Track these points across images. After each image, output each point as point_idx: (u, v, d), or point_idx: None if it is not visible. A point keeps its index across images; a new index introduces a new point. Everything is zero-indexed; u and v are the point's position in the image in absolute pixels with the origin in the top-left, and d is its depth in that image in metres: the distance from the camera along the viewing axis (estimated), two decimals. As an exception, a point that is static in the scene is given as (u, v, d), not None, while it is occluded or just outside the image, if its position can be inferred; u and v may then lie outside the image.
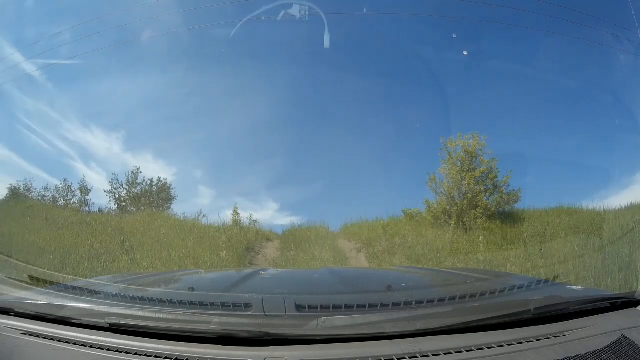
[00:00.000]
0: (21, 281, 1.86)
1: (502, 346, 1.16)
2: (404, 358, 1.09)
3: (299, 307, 1.34)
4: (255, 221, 5.78)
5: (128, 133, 6.14)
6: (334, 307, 1.35)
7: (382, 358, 1.09)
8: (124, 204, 6.83)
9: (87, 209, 6.68)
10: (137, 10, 4.89)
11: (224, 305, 1.40)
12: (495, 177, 5.39)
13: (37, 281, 1.84)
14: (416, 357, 1.10)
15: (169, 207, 6.86)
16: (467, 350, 1.13)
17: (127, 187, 6.85)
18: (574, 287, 1.85)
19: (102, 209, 6.72)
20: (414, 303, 1.42)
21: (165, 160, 6.68)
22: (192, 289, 1.84)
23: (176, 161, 6.68)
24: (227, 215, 5.90)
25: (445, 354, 1.12)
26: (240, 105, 5.49)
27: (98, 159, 6.69)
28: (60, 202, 6.74)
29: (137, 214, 6.59)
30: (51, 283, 1.82)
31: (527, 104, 4.88)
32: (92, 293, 1.59)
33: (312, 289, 2.08)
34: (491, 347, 1.15)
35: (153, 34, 4.65)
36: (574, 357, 1.11)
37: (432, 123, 5.19)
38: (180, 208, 6.66)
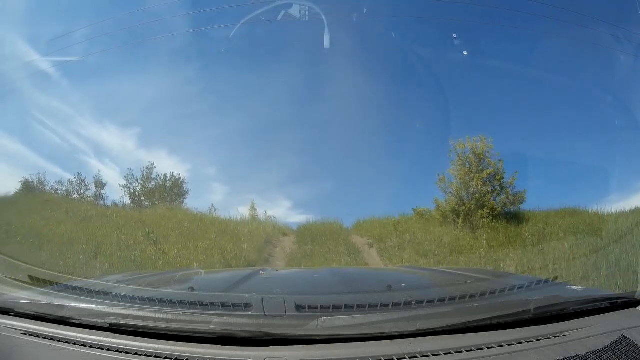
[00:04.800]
0: (21, 281, 1.85)
1: (502, 346, 1.16)
2: (404, 358, 1.09)
3: (299, 307, 1.33)
4: (271, 217, 6.00)
5: (142, 130, 6.19)
6: (334, 307, 1.35)
7: (382, 358, 1.09)
8: (142, 198, 6.95)
9: (102, 202, 6.81)
10: (152, 8, 4.92)
11: (224, 305, 1.39)
12: (502, 178, 5.56)
13: (37, 281, 1.83)
14: (416, 357, 1.10)
15: (182, 202, 6.98)
16: (467, 350, 1.13)
17: (141, 182, 6.95)
18: (574, 287, 1.86)
19: (116, 203, 6.85)
20: (414, 303, 1.41)
21: (179, 156, 6.81)
22: (192, 289, 1.84)
23: (190, 158, 6.74)
24: (240, 212, 6.10)
25: (445, 354, 1.12)
26: (253, 104, 5.54)
27: (111, 154, 6.76)
28: (74, 196, 6.85)
29: (156, 208, 6.76)
30: (51, 283, 1.82)
31: (533, 105, 4.95)
32: (92, 293, 1.59)
33: (312, 289, 2.08)
34: (491, 347, 1.15)
35: (168, 31, 4.67)
36: (574, 357, 1.11)
37: (441, 124, 5.28)
38: (193, 203, 6.82)
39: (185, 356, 1.12)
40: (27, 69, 4.96)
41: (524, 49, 4.44)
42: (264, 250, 5.35)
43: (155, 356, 1.13)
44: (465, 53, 4.33)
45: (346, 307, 1.35)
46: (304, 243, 5.47)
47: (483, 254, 4.68)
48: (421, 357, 1.10)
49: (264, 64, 5.07)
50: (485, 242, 4.95)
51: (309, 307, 1.35)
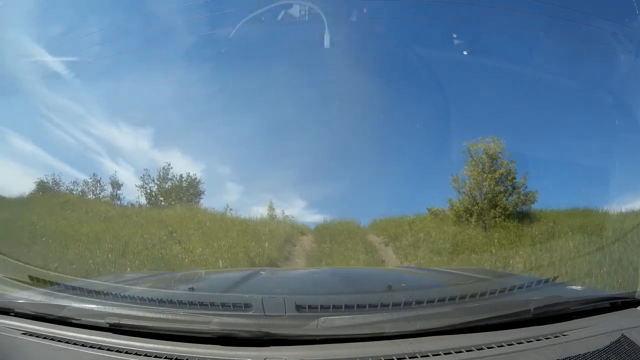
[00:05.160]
0: (21, 281, 1.85)
1: (502, 346, 1.16)
2: (404, 358, 1.09)
3: (299, 307, 1.33)
4: (289, 216, 6.15)
5: (156, 129, 6.27)
6: (334, 307, 1.35)
7: (382, 358, 1.09)
8: (161, 198, 7.02)
9: (118, 202, 6.89)
10: (165, 7, 4.95)
11: (224, 305, 1.39)
12: (514, 178, 5.68)
13: (37, 281, 1.83)
14: (416, 357, 1.10)
15: (198, 202, 7.05)
16: (467, 350, 1.13)
17: (158, 183, 7.01)
18: (574, 287, 1.86)
19: (132, 203, 6.93)
20: (414, 303, 1.41)
21: (193, 156, 6.87)
22: (192, 289, 1.84)
23: (204, 158, 6.83)
24: (258, 211, 6.24)
25: (445, 354, 1.12)
26: (267, 103, 5.61)
27: (125, 154, 6.83)
28: (90, 196, 6.94)
29: (175, 208, 6.86)
30: (51, 283, 1.82)
31: (545, 106, 5.02)
32: (92, 293, 1.59)
33: (312, 289, 2.08)
34: (491, 347, 1.14)
35: (181, 31, 4.67)
36: (574, 357, 1.11)
37: (454, 126, 5.32)
38: (208, 203, 6.88)
39: (185, 356, 1.12)
40: (40, 69, 5.05)
41: (536, 51, 4.49)
42: (284, 249, 5.51)
43: (155, 356, 1.13)
44: (465, 54, 4.35)
45: (346, 307, 1.35)
46: (323, 242, 5.63)
47: (494, 251, 4.82)
48: (421, 357, 1.10)
49: (277, 63, 5.11)
50: (496, 240, 5.09)
51: (309, 307, 1.35)
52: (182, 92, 5.68)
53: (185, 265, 4.84)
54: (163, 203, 6.96)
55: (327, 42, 4.03)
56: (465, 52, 4.33)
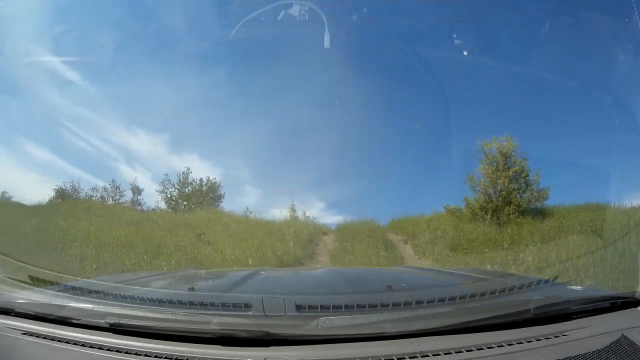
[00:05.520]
0: (21, 281, 1.85)
1: (502, 346, 1.15)
2: (404, 358, 1.09)
3: (299, 307, 1.33)
4: (310, 217, 6.48)
5: (173, 135, 6.52)
6: (334, 307, 1.35)
7: (382, 358, 1.09)
8: (184, 202, 7.20)
9: (139, 207, 7.15)
10: (181, 13, 5.08)
11: (224, 305, 1.39)
12: (527, 175, 5.85)
13: (37, 281, 1.83)
14: (416, 357, 1.10)
15: (218, 206, 7.25)
16: (467, 350, 1.13)
17: (178, 187, 7.21)
18: (574, 287, 1.86)
19: (154, 208, 7.18)
20: (414, 303, 1.42)
21: (211, 161, 7.12)
22: (192, 289, 1.84)
23: (222, 162, 7.19)
24: (276, 213, 6.53)
25: (445, 354, 1.12)
26: (283, 107, 5.79)
27: (143, 160, 7.13)
28: (109, 202, 7.18)
29: (200, 211, 7.04)
30: (51, 283, 1.82)
31: (557, 106, 5.18)
32: (92, 293, 1.59)
33: (312, 289, 2.08)
34: (491, 347, 1.14)
35: (196, 37, 4.75)
36: (574, 357, 1.11)
37: (468, 126, 5.60)
38: (228, 206, 7.12)
39: (185, 356, 1.12)
40: (56, 76, 5.20)
41: (549, 53, 4.55)
42: (308, 248, 5.79)
43: (155, 356, 1.13)
44: (465, 54, 4.38)
45: (346, 307, 1.35)
46: (345, 240, 5.89)
47: (505, 246, 5.02)
48: (421, 357, 1.10)
49: (293, 67, 5.24)
50: (508, 236, 5.29)
51: (309, 307, 1.35)
52: (198, 97, 5.91)
53: (217, 265, 5.05)
54: (184, 207, 7.13)
55: (338, 44, 4.09)
56: (481, 56, 4.50)
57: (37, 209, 6.68)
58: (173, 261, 5.09)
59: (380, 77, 5.22)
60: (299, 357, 1.13)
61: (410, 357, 1.10)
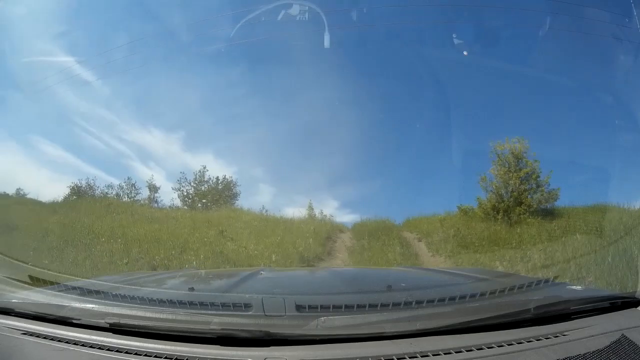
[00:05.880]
0: (21, 281, 1.85)
1: (502, 346, 1.15)
2: (404, 358, 1.09)
3: (299, 307, 1.33)
4: (327, 216, 6.61)
5: (187, 133, 6.60)
6: (334, 307, 1.35)
7: (382, 358, 1.09)
8: (203, 200, 7.28)
9: (155, 205, 7.25)
10: (194, 12, 5.10)
11: (224, 305, 1.39)
12: (538, 177, 5.98)
13: (37, 281, 1.83)
14: (416, 357, 1.10)
15: (234, 204, 7.32)
16: (467, 350, 1.13)
17: (194, 185, 7.28)
18: (574, 287, 1.86)
19: (170, 205, 7.27)
20: (414, 303, 1.41)
21: (225, 159, 7.23)
22: (192, 289, 1.84)
23: (236, 160, 7.21)
24: (292, 211, 6.64)
25: (445, 354, 1.12)
26: (298, 106, 5.89)
27: (158, 158, 7.19)
28: (124, 199, 7.29)
29: (219, 209, 7.18)
30: (51, 283, 1.82)
31: (569, 108, 5.23)
32: (92, 293, 1.59)
33: (312, 289, 2.08)
34: (491, 347, 1.14)
35: (211, 36, 4.75)
36: (574, 357, 1.11)
37: (482, 127, 5.72)
38: (243, 204, 7.21)
39: (185, 356, 1.12)
40: (71, 77, 5.24)
41: (562, 55, 4.59)
42: (326, 245, 5.97)
43: (155, 356, 1.13)
44: (465, 53, 4.41)
45: (346, 307, 1.35)
46: (361, 238, 6.06)
47: (514, 245, 5.21)
48: (421, 357, 1.10)
49: (306, 66, 5.28)
50: (518, 235, 5.47)
51: (309, 307, 1.35)
52: (212, 96, 6.01)
53: (242, 261, 5.22)
54: (200, 205, 7.23)
55: (354, 44, 4.11)
56: (494, 60, 4.59)
57: (55, 206, 6.81)
58: (201, 255, 5.22)
59: (398, 78, 5.30)
60: (299, 357, 1.13)
61: (410, 357, 1.09)
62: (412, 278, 2.55)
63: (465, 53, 4.46)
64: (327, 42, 4.16)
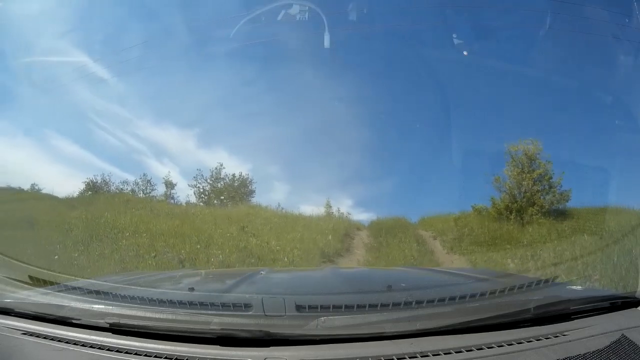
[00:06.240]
0: (21, 281, 1.85)
1: (502, 346, 1.15)
2: (404, 358, 1.09)
3: (299, 307, 1.33)
4: (344, 213, 6.75)
5: (202, 130, 6.67)
6: (334, 307, 1.34)
7: (382, 358, 1.09)
8: (221, 197, 7.38)
9: (172, 201, 7.37)
10: (209, 8, 5.09)
11: (223, 305, 1.39)
12: (550, 178, 6.09)
13: (37, 281, 1.83)
14: (416, 357, 1.10)
15: (249, 201, 7.42)
16: (467, 350, 1.13)
17: (210, 182, 7.38)
18: (574, 287, 1.86)
19: (186, 201, 7.37)
20: (414, 303, 1.41)
21: (239, 156, 7.33)
22: (192, 289, 1.84)
23: (250, 158, 7.22)
24: (308, 209, 6.81)
25: (445, 354, 1.12)
26: (314, 104, 5.96)
27: (171, 155, 7.30)
28: (140, 196, 7.40)
29: (238, 206, 7.28)
30: (51, 283, 1.82)
31: (583, 110, 5.25)
32: (92, 293, 1.59)
33: (312, 289, 2.08)
34: (491, 347, 1.14)
35: (225, 33, 4.72)
36: (574, 357, 1.11)
37: (496, 128, 5.80)
38: (257, 202, 7.31)
39: (185, 356, 1.12)
40: (86, 74, 5.25)
41: (574, 56, 4.63)
42: (345, 241, 6.12)
43: (155, 356, 1.13)
44: (465, 53, 4.42)
45: (346, 307, 1.35)
46: (378, 235, 6.24)
47: (525, 243, 5.39)
48: (421, 357, 1.10)
49: (319, 64, 5.29)
50: (529, 234, 5.65)
51: (309, 307, 1.35)
52: (226, 94, 6.06)
53: (265, 256, 5.34)
54: (219, 201, 7.34)
55: (374, 42, 4.13)
56: (508, 64, 4.65)
57: (72, 201, 6.92)
58: (227, 250, 5.35)
59: (413, 79, 5.39)
60: (299, 357, 1.13)
61: (410, 357, 1.09)
62: (412, 278, 2.55)
63: (464, 53, 4.50)
64: (333, 42, 4.20)
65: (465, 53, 4.47)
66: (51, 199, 6.92)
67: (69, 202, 6.87)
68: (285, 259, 5.24)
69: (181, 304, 1.45)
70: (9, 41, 5.33)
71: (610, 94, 4.64)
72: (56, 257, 5.01)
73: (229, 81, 5.84)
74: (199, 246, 5.43)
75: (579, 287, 1.85)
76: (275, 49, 4.97)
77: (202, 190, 7.37)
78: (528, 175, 6.04)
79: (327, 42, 4.25)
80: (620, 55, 4.22)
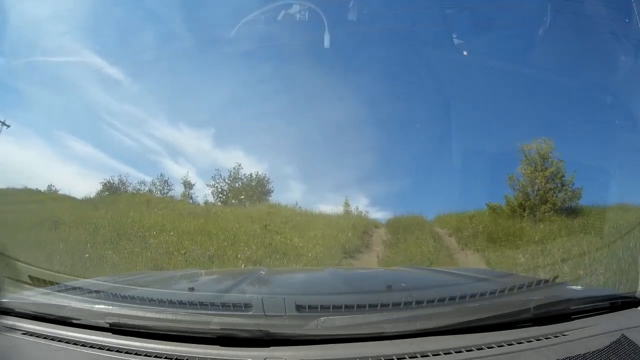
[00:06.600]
0: (21, 281, 1.85)
1: (502, 346, 1.15)
2: (404, 358, 1.09)
3: (299, 307, 1.33)
4: (362, 212, 6.97)
5: (218, 130, 6.93)
6: (334, 307, 1.35)
7: (382, 358, 1.09)
8: (240, 196, 7.52)
9: (190, 201, 7.55)
10: (224, 9, 5.29)
11: (224, 305, 1.39)
12: (563, 176, 6.23)
13: (37, 281, 1.83)
14: (416, 357, 1.10)
15: (267, 200, 7.62)
16: (467, 350, 1.13)
17: (228, 182, 7.56)
18: (574, 287, 1.85)
19: (205, 201, 7.59)
20: (414, 303, 1.41)
21: (256, 156, 7.55)
22: (192, 289, 1.84)
23: (267, 157, 7.50)
24: (322, 208, 7.02)
25: (445, 354, 1.12)
26: (332, 104, 6.08)
27: (187, 155, 7.52)
28: (157, 195, 7.57)
29: (258, 205, 7.45)
30: (51, 283, 1.82)
31: (596, 111, 5.34)
32: (92, 293, 1.59)
33: (312, 289, 2.08)
34: (491, 347, 1.14)
35: (241, 34, 4.79)
36: (574, 357, 1.11)
37: (510, 128, 6.01)
38: (275, 201, 7.54)
39: (185, 356, 1.12)
40: (101, 76, 5.45)
41: (587, 59, 4.69)
42: (364, 238, 6.31)
43: (155, 356, 1.13)
44: (465, 53, 4.43)
45: (346, 307, 1.35)
46: (396, 232, 6.46)
47: (537, 239, 5.52)
48: (421, 357, 1.10)
49: (335, 64, 5.44)
50: (541, 231, 5.79)
51: (309, 307, 1.35)
52: (243, 95, 6.25)
53: (289, 252, 5.48)
54: (239, 200, 7.49)
55: (389, 44, 4.15)
56: (518, 65, 4.74)
57: (92, 201, 7.04)
58: (253, 246, 5.46)
59: (428, 81, 5.54)
60: (299, 357, 1.13)
61: (410, 357, 1.10)
62: (412, 278, 2.55)
63: (465, 53, 4.52)
64: (333, 42, 4.21)
65: (465, 53, 4.50)
66: (70, 199, 7.02)
67: (89, 203, 6.99)
68: (310, 254, 5.35)
69: (181, 304, 1.45)
70: (29, 47, 5.49)
71: (614, 95, 4.68)
72: (87, 255, 5.09)
73: (242, 81, 6.03)
74: (225, 243, 5.56)
75: (579, 287, 1.85)
76: (289, 50, 5.01)
77: (219, 190, 7.53)
78: (541, 173, 6.17)
79: (327, 42, 4.27)
80: (634, 57, 4.24)
